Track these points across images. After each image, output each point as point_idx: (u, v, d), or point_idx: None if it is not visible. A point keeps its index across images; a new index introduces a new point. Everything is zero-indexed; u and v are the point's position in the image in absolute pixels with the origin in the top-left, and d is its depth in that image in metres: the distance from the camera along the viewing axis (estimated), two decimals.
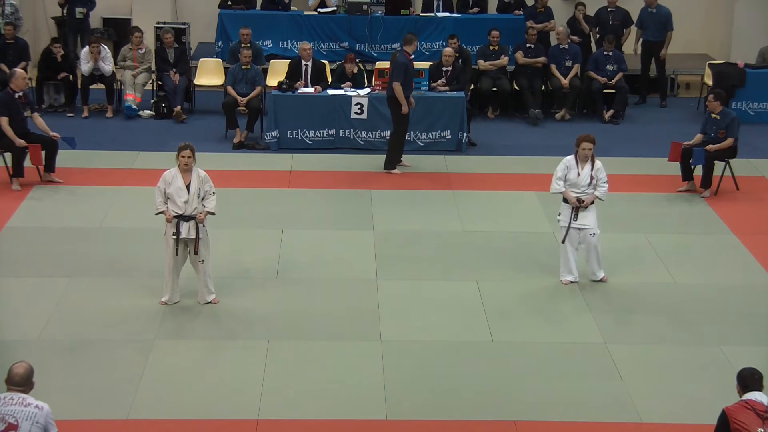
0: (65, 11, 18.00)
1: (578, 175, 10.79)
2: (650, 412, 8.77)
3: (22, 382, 6.96)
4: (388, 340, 9.87)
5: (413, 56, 14.29)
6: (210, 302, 10.46)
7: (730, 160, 13.85)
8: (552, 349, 9.80)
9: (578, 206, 10.76)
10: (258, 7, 18.36)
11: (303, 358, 9.55)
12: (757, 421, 6.80)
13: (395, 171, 14.30)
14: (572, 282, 10.99)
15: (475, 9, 18.25)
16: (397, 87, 13.87)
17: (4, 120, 13.41)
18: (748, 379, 7.07)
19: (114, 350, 9.58)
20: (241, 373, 9.24)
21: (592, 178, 10.77)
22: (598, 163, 10.87)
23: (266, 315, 10.33)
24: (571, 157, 10.93)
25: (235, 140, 15.48)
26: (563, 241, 10.90)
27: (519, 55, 17.09)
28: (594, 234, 10.82)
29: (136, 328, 9.97)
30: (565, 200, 10.89)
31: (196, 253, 10.24)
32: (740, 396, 7.05)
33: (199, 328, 10.11)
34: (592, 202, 10.83)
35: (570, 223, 10.81)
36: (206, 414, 8.62)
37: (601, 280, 11.03)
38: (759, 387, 7.06)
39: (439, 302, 10.70)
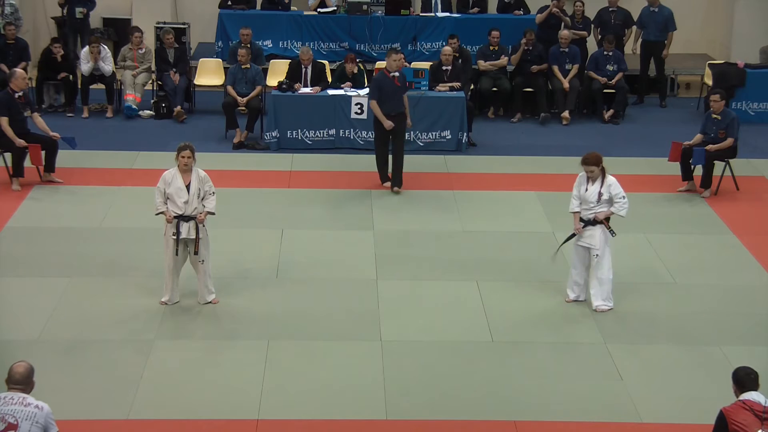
0: (65, 11, 18.00)
1: (586, 191, 10.33)
2: (650, 412, 8.78)
3: (23, 381, 6.96)
4: (388, 340, 9.87)
5: (395, 74, 13.49)
6: (210, 302, 10.46)
7: (730, 160, 13.85)
8: (552, 349, 9.80)
9: (590, 225, 10.29)
10: (258, 7, 18.37)
11: (303, 358, 9.55)
12: (755, 421, 6.80)
13: (386, 184, 13.78)
14: (575, 300, 10.63)
15: (475, 9, 18.26)
16: (373, 104, 13.48)
17: (4, 120, 13.42)
18: (745, 379, 7.06)
19: (114, 350, 9.58)
20: (241, 373, 9.24)
21: (600, 195, 10.25)
22: (609, 179, 10.27)
23: (266, 315, 10.33)
24: (583, 174, 10.41)
25: (235, 140, 15.48)
26: (554, 254, 10.60)
27: (514, 59, 17.07)
28: (596, 255, 10.33)
29: (136, 328, 9.98)
30: (582, 219, 10.41)
31: (196, 253, 10.24)
32: (737, 396, 7.05)
33: (199, 328, 10.11)
34: (608, 219, 10.31)
35: (572, 235, 10.44)
36: (206, 414, 8.62)
37: (594, 308, 10.46)
38: (755, 387, 7.05)
39: (439, 302, 10.70)
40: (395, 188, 13.60)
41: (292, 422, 8.57)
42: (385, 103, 13.43)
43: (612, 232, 10.39)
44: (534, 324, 10.27)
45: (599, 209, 10.30)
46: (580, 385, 9.18)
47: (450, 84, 15.55)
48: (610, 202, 10.32)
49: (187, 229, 10.15)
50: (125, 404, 8.68)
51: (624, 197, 10.31)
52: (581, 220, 10.43)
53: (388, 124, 13.43)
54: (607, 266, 10.42)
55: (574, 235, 10.51)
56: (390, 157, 13.71)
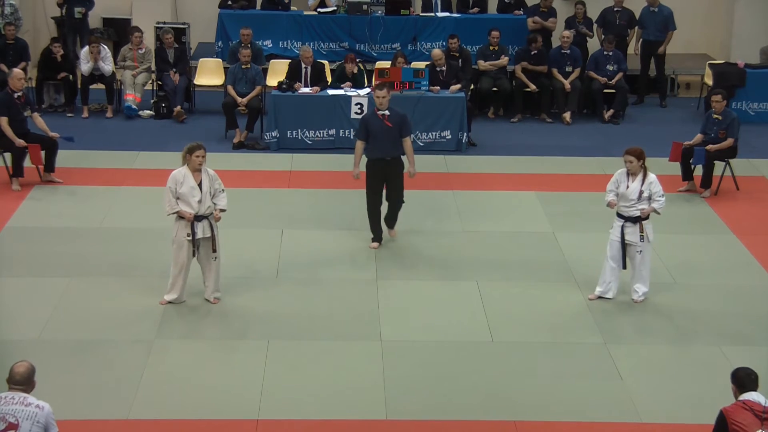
0: (64, 11, 18.00)
1: (627, 188, 10.37)
2: (650, 412, 8.78)
3: (24, 381, 6.97)
4: (388, 340, 9.87)
5: (385, 112, 11.71)
6: (210, 302, 10.46)
7: (730, 160, 13.86)
8: (552, 349, 9.80)
9: (631, 223, 10.36)
10: (258, 7, 18.37)
11: (303, 358, 9.55)
12: (755, 421, 6.80)
13: (374, 244, 12.07)
14: (599, 297, 10.66)
15: (475, 9, 18.26)
16: (357, 145, 11.90)
17: (4, 120, 13.42)
18: (745, 380, 7.06)
19: (114, 350, 9.58)
20: (241, 373, 9.25)
21: (641, 192, 10.33)
22: (651, 176, 10.38)
23: (266, 315, 10.33)
24: (622, 171, 10.47)
25: (235, 140, 15.49)
26: (624, 264, 10.49)
27: (518, 68, 17.05)
28: (640, 251, 10.43)
29: (137, 328, 9.98)
30: (619, 215, 10.45)
31: (214, 251, 10.22)
32: (736, 396, 7.05)
33: (199, 329, 10.11)
34: (647, 216, 10.38)
35: (623, 241, 10.39)
36: (206, 414, 8.62)
37: (635, 300, 10.60)
38: (755, 387, 7.06)
39: (439, 302, 10.71)
40: (390, 231, 12.11)
41: (292, 422, 8.57)
42: (373, 145, 11.75)
43: (641, 237, 10.41)
44: (534, 324, 10.26)
45: (640, 206, 10.38)
46: (580, 385, 9.18)
47: (444, 83, 15.53)
48: (649, 200, 10.39)
49: (201, 229, 10.16)
50: (125, 404, 8.68)
51: (663, 195, 10.43)
52: (621, 216, 10.45)
53: (354, 172, 11.89)
54: (648, 261, 10.57)
55: (624, 241, 10.43)
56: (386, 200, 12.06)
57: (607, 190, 10.57)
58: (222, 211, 10.28)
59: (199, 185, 10.15)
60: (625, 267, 10.58)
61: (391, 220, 12.12)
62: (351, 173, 11.99)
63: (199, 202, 10.12)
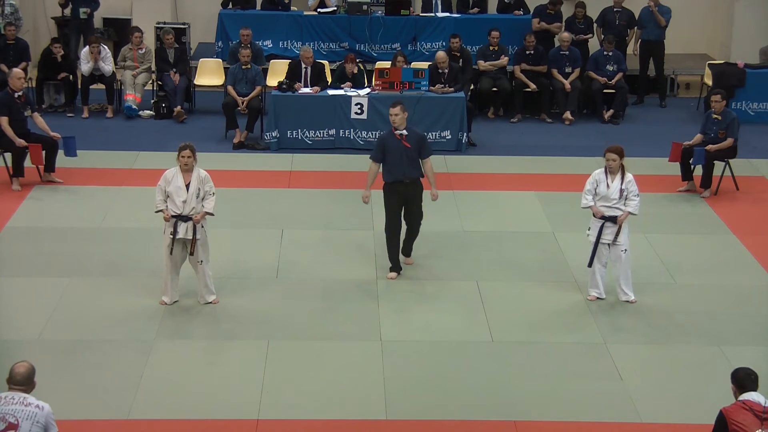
0: (68, 11, 17.99)
1: (608, 187, 10.42)
2: (650, 412, 8.78)
3: (24, 382, 6.97)
4: (388, 340, 9.87)
5: (403, 132, 11.02)
6: (210, 302, 10.46)
7: (730, 160, 13.86)
8: (552, 349, 9.80)
9: (611, 222, 10.40)
10: (258, 7, 18.38)
11: (303, 358, 9.55)
12: (755, 421, 6.80)
13: (391, 275, 11.34)
14: (597, 298, 10.68)
15: (475, 9, 18.26)
16: (370, 166, 11.29)
17: (4, 120, 13.42)
18: (745, 380, 7.07)
19: (114, 350, 9.58)
20: (241, 373, 9.25)
21: (622, 191, 10.41)
22: (629, 175, 10.47)
23: (266, 315, 10.33)
24: (600, 171, 10.53)
25: (235, 140, 15.49)
26: (590, 262, 10.53)
27: (517, 69, 17.03)
28: (624, 250, 10.48)
29: (136, 328, 9.98)
30: (603, 216, 10.49)
31: (191, 254, 10.23)
32: (736, 396, 7.06)
33: (199, 328, 10.11)
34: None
35: (598, 240, 10.44)
36: (206, 414, 8.62)
37: (628, 302, 10.63)
38: (755, 387, 7.06)
39: (439, 302, 10.71)
40: (406, 259, 11.50)
41: (292, 422, 8.57)
42: (390, 167, 11.08)
43: (615, 239, 10.45)
44: (534, 324, 10.27)
45: (618, 205, 10.41)
46: (580, 385, 9.18)
47: (446, 86, 15.50)
48: (626, 199, 10.45)
49: (184, 229, 10.15)
50: (125, 404, 8.69)
51: (637, 195, 10.48)
52: (602, 217, 10.48)
53: (364, 194, 11.24)
54: (630, 258, 10.63)
55: (599, 239, 10.50)
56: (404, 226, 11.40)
57: (585, 191, 10.56)
58: (209, 214, 10.23)
59: (187, 186, 10.15)
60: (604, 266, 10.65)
61: (408, 248, 11.48)
62: (362, 194, 11.27)
63: (184, 202, 10.12)
